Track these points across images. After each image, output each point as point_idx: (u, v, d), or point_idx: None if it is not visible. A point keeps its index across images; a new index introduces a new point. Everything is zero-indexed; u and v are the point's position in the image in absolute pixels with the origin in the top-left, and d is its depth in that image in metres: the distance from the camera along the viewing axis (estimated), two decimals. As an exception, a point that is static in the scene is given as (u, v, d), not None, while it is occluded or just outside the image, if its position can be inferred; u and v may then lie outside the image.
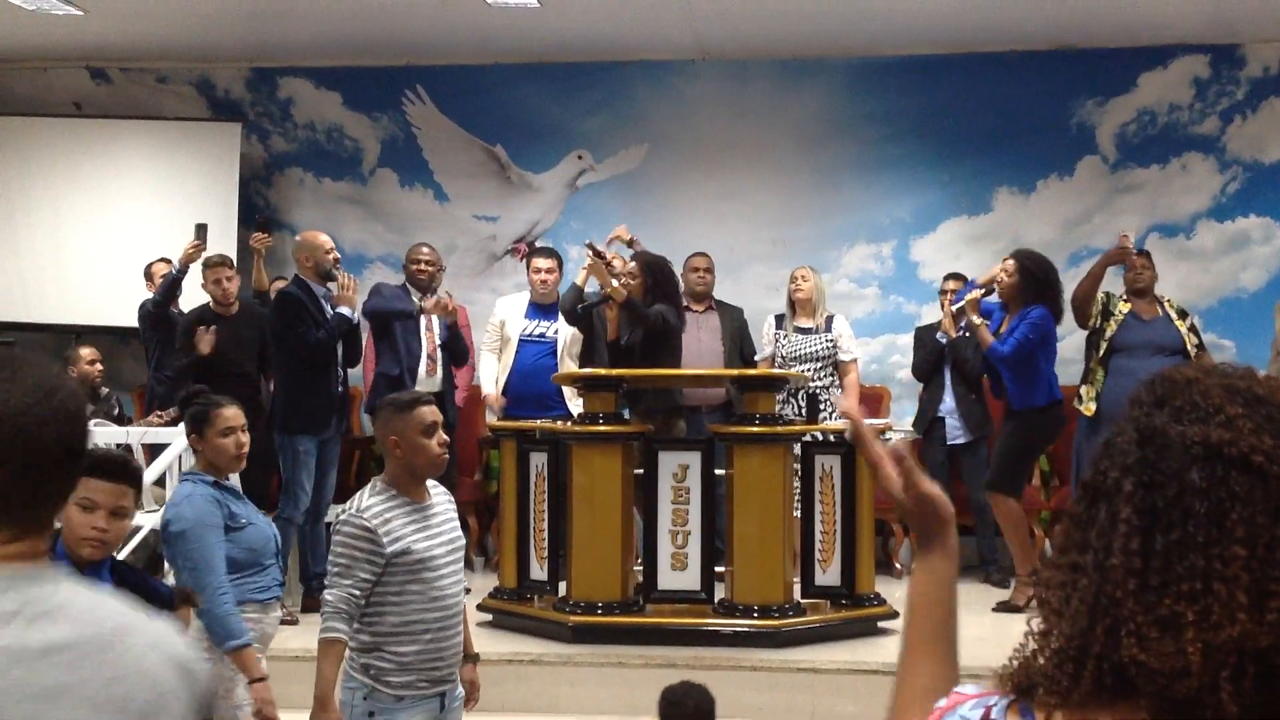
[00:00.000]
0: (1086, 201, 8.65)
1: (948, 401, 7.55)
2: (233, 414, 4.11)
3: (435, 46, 8.84)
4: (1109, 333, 6.79)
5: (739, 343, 7.65)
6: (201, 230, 7.31)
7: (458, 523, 3.97)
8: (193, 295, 7.81)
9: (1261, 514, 1.11)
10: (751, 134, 8.96)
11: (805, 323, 7.57)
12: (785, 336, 7.57)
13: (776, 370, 6.91)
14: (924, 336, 7.77)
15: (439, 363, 7.25)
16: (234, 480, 4.26)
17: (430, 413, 3.83)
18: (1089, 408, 6.68)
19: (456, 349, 7.32)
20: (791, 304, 7.63)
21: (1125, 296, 6.94)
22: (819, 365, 7.45)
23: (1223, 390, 1.18)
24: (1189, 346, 6.75)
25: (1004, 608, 6.53)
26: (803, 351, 7.48)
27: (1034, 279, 6.61)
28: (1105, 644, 1.14)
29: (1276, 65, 8.55)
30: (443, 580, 3.79)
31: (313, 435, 6.51)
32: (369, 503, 3.74)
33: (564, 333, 7.41)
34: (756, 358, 7.67)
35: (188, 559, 3.90)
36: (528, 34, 8.49)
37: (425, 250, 7.37)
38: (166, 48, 9.00)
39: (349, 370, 6.86)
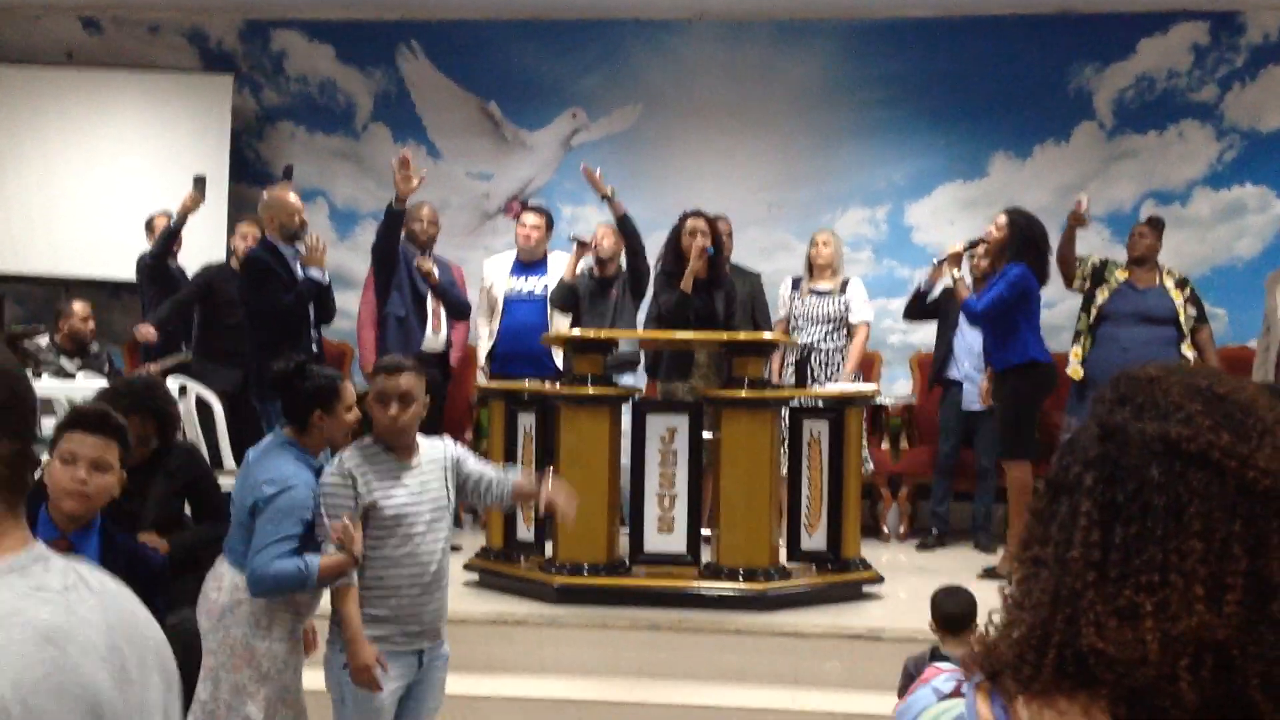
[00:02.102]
0: (1083, 167, 8.62)
1: (965, 366, 7.49)
2: (353, 388, 4.05)
3: (430, 1, 8.77)
4: (1100, 300, 6.78)
5: (750, 308, 7.56)
6: (200, 183, 7.25)
7: (442, 485, 3.96)
8: (193, 249, 7.78)
9: (1218, 509, 1.12)
10: (747, 95, 8.91)
11: (823, 285, 7.55)
12: (800, 299, 7.55)
13: (768, 334, 6.86)
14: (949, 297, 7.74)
15: (442, 319, 7.22)
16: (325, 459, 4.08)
17: (383, 380, 3.85)
18: (1076, 371, 6.67)
19: (450, 304, 7.29)
20: (810, 266, 7.61)
21: (1126, 265, 6.92)
22: (831, 326, 7.45)
23: (1183, 388, 1.20)
24: (1183, 318, 6.73)
25: (990, 574, 6.55)
26: (816, 312, 7.47)
27: (1021, 236, 6.55)
28: (1066, 633, 1.15)
29: (1277, 33, 8.51)
30: (417, 538, 3.81)
31: None
32: (348, 454, 3.84)
33: (552, 287, 7.39)
34: (773, 319, 7.65)
35: (263, 524, 3.75)
36: (523, -10, 8.43)
37: (426, 209, 7.31)
38: (158, -2, 8.94)
39: (322, 328, 6.78)
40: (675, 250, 6.59)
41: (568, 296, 7.07)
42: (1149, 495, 1.14)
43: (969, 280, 6.87)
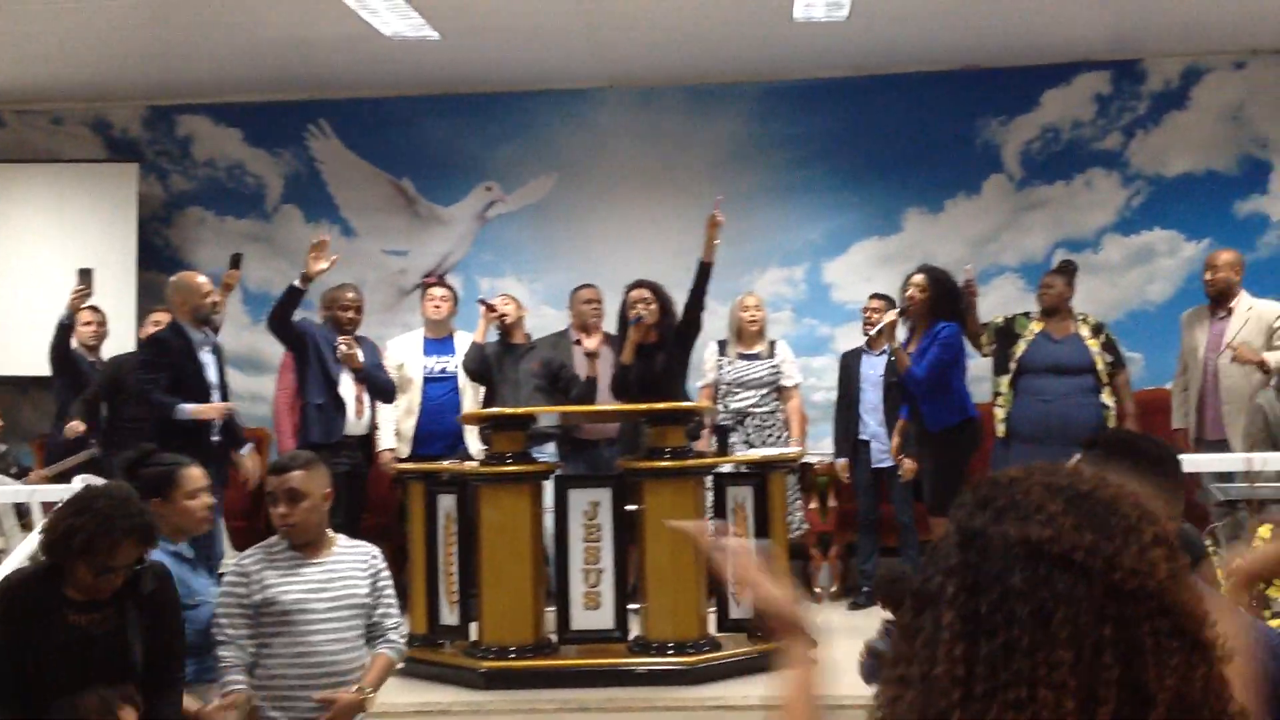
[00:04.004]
0: (994, 219, 8.70)
1: (871, 425, 7.49)
2: (199, 474, 3.97)
3: (337, 80, 8.73)
4: (1018, 353, 6.78)
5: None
6: (85, 275, 7.12)
7: (361, 580, 3.84)
8: (114, 339, 7.63)
9: (1086, 614, 1.06)
10: (662, 161, 8.93)
11: (750, 349, 7.51)
12: (729, 363, 7.50)
13: (687, 403, 6.79)
14: (849, 362, 7.75)
15: (365, 404, 7.10)
16: (183, 546, 4.03)
17: (271, 480, 3.81)
18: (1001, 429, 6.68)
19: (373, 388, 7.17)
20: (739, 330, 7.54)
21: (1039, 315, 6.94)
22: (764, 391, 7.41)
23: (1043, 489, 1.13)
24: (1100, 365, 6.74)
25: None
26: (747, 378, 7.42)
27: (946, 294, 6.56)
28: None
29: (1177, 79, 8.65)
30: (314, 635, 3.69)
31: None
32: (250, 551, 3.81)
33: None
34: (698, 384, 7.60)
35: None
36: (430, 66, 8.40)
37: (351, 295, 7.16)
38: (61, 88, 8.81)
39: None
40: (623, 323, 6.63)
41: (479, 360, 6.98)
42: (1013, 604, 1.07)
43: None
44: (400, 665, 4.08)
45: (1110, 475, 1.18)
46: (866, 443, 7.49)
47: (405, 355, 7.52)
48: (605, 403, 6.78)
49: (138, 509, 3.38)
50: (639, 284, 6.66)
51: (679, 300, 6.63)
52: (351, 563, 3.86)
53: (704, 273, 6.47)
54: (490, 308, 7.01)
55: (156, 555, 3.72)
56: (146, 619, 3.44)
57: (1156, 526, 1.13)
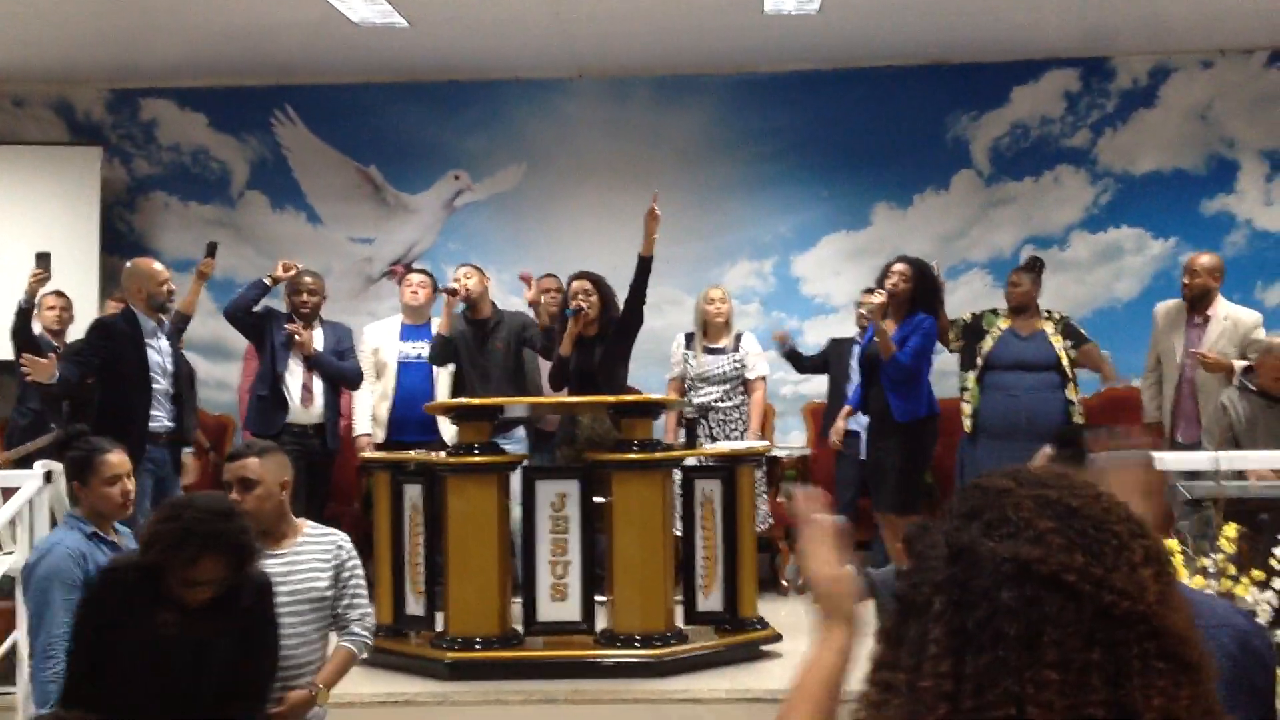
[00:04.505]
0: (963, 215, 8.72)
1: (860, 417, 7.42)
2: (119, 460, 3.91)
3: (304, 66, 8.64)
4: (985, 349, 6.79)
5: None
6: (43, 259, 6.99)
7: (323, 572, 3.79)
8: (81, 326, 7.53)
9: (1074, 636, 1.05)
10: (631, 152, 8.89)
11: (716, 343, 7.48)
12: (694, 356, 7.47)
13: (655, 396, 6.77)
14: (838, 351, 7.76)
15: (315, 393, 7.04)
16: (124, 530, 4.03)
17: (226, 467, 3.78)
18: (966, 424, 6.69)
19: (332, 375, 7.12)
20: (705, 324, 7.51)
21: (1007, 313, 6.95)
22: (727, 386, 7.38)
23: (1034, 503, 1.12)
24: (1065, 361, 6.74)
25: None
26: (711, 372, 7.39)
27: (928, 286, 6.54)
28: None
29: (1145, 77, 8.69)
30: None
31: None
32: None
33: None
34: (666, 377, 7.57)
35: (32, 610, 3.70)
36: (399, 53, 8.33)
37: (309, 280, 7.16)
38: (23, 70, 8.68)
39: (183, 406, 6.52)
40: (562, 313, 6.61)
41: (445, 351, 6.96)
42: (1001, 622, 1.06)
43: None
44: (364, 657, 4.03)
45: (1099, 482, 1.17)
46: (856, 434, 7.40)
47: (382, 340, 7.47)
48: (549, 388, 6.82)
49: (226, 526, 3.23)
50: (580, 275, 6.65)
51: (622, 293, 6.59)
52: (314, 553, 3.80)
53: (643, 267, 6.43)
54: (453, 293, 6.94)
55: (70, 535, 3.76)
56: (238, 633, 3.33)
57: (1147, 541, 1.12)
